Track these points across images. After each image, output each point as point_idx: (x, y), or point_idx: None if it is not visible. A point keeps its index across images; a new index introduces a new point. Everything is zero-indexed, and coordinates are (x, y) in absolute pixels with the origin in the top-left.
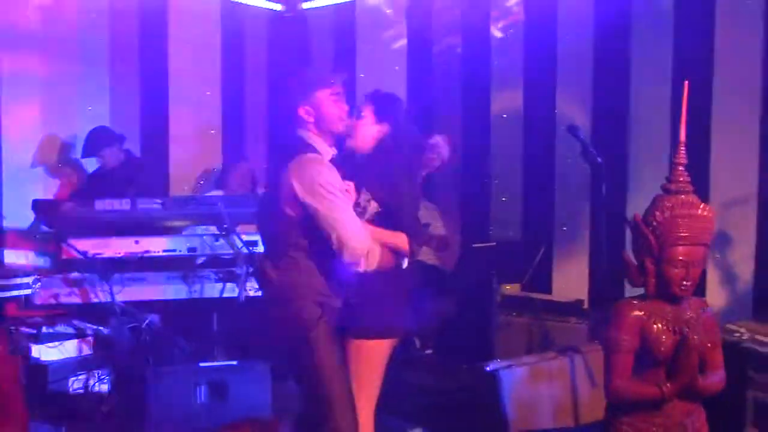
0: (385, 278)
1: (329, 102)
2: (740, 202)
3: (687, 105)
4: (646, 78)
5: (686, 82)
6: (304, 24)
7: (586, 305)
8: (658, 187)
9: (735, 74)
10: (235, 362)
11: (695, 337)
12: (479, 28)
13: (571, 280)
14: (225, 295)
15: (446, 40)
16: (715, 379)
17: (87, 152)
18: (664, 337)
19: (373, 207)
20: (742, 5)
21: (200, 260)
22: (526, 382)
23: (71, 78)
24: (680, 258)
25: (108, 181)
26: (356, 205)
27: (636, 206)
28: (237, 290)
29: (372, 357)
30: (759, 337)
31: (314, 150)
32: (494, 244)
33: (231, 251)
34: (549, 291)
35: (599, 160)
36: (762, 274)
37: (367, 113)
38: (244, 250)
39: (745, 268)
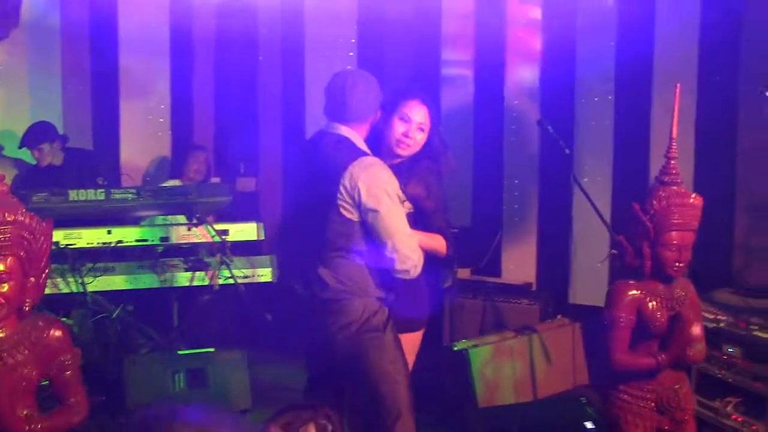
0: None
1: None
2: None
3: (675, 105)
4: (589, 75)
5: (678, 85)
6: (253, 14)
7: (534, 287)
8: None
9: (672, 68)
10: (212, 349)
11: (687, 313)
12: (430, 20)
13: (520, 263)
14: (196, 283)
15: (397, 32)
16: (700, 349)
17: (24, 144)
18: (659, 313)
19: (407, 208)
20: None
21: (159, 249)
22: (490, 360)
23: (22, 71)
24: (674, 242)
25: (40, 177)
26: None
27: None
28: (208, 279)
29: (410, 350)
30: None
31: (365, 153)
32: (456, 230)
33: (203, 240)
34: (499, 274)
35: (567, 151)
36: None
37: (424, 121)
38: (217, 239)
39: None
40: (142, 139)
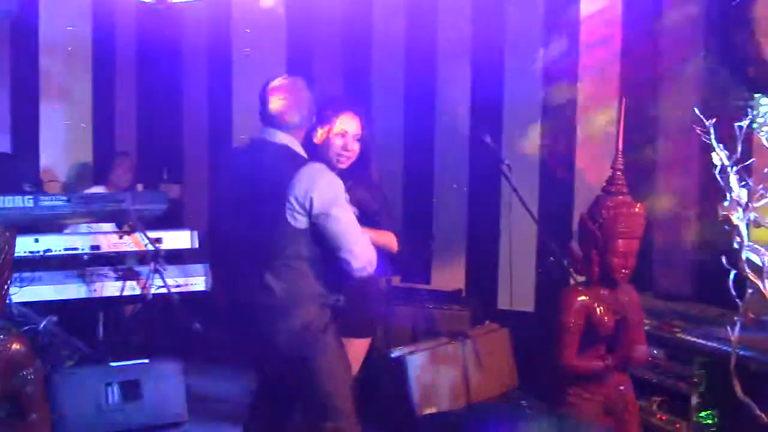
0: (366, 279)
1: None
2: None
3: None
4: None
5: (625, 98)
6: (177, 17)
7: (464, 294)
8: None
9: (595, 89)
10: (146, 360)
11: (632, 317)
12: (359, 23)
13: (448, 271)
14: (126, 293)
15: (325, 34)
16: (644, 351)
17: None
18: (606, 318)
19: (353, 211)
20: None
21: (86, 257)
22: (427, 366)
23: None
24: (621, 249)
25: None
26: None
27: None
28: (139, 288)
29: (357, 356)
30: None
31: (308, 160)
32: None
33: (136, 249)
34: (428, 281)
35: (507, 163)
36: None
37: (359, 132)
38: (150, 247)
39: None
40: (63, 144)
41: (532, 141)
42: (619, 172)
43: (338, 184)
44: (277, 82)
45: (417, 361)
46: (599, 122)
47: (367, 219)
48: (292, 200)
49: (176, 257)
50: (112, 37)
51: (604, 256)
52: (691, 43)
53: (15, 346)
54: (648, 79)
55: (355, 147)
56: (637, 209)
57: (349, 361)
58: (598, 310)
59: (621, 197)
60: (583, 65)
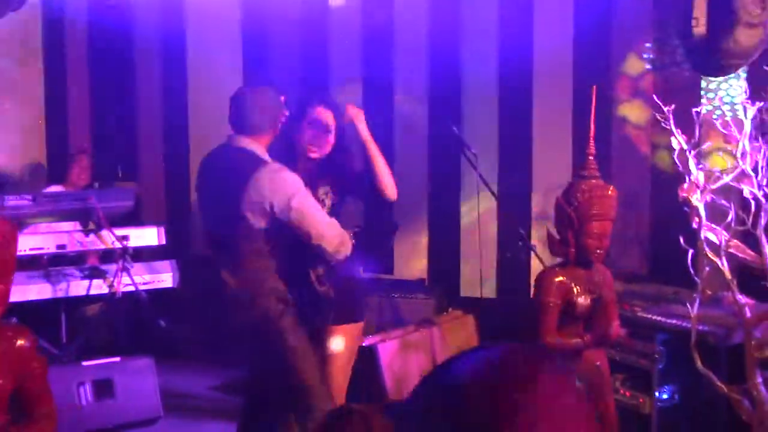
0: (349, 267)
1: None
2: (559, 185)
3: (594, 107)
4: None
5: (594, 87)
6: (129, 11)
7: (427, 282)
8: None
9: (550, 79)
10: (118, 359)
11: (607, 295)
12: (316, 16)
13: (411, 260)
14: (93, 292)
15: (281, 26)
16: (616, 327)
17: None
18: (583, 297)
19: (330, 199)
20: (555, 20)
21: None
22: (397, 355)
23: None
24: (595, 231)
25: None
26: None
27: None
28: (106, 287)
29: (353, 340)
30: None
31: (267, 162)
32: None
33: (103, 247)
34: (390, 271)
35: (473, 151)
36: None
37: (331, 123)
38: (117, 245)
39: None
40: (15, 144)
41: (490, 126)
42: (591, 157)
43: (295, 180)
44: (242, 91)
45: (388, 350)
46: (553, 109)
47: (342, 206)
48: (251, 201)
49: (148, 253)
50: (63, 32)
51: (579, 238)
52: (643, 29)
53: (21, 342)
54: (601, 67)
55: (327, 139)
56: (610, 192)
57: (308, 342)
58: (575, 289)
59: (594, 181)
60: (539, 51)
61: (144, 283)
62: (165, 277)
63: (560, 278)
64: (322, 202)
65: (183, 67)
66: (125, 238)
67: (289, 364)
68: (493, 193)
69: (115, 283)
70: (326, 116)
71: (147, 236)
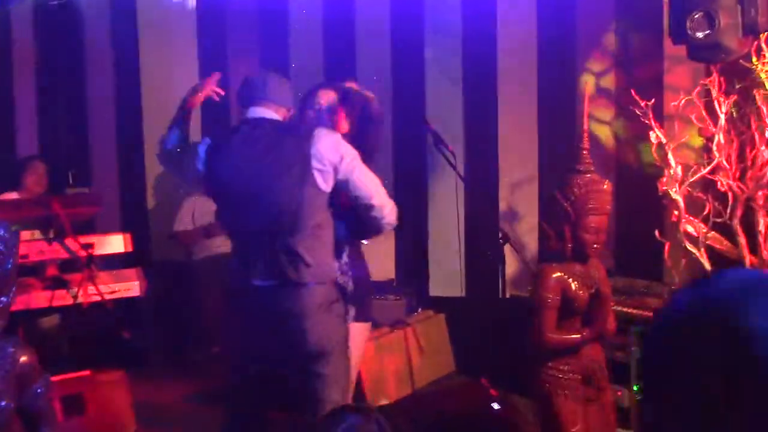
0: (364, 265)
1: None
2: (525, 182)
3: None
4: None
5: (585, 81)
6: (77, 11)
7: (395, 283)
8: None
9: (515, 72)
10: (87, 372)
11: (604, 290)
12: (275, 9)
13: (379, 260)
14: (55, 303)
15: (238, 23)
16: (612, 321)
17: None
18: (580, 292)
19: None
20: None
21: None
22: (374, 356)
23: None
24: (592, 225)
25: None
26: None
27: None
28: (71, 297)
29: (364, 339)
30: None
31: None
32: None
33: (66, 255)
34: None
35: (450, 148)
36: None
37: (334, 104)
38: (83, 253)
39: (530, 239)
40: None
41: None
42: (585, 151)
43: (347, 143)
44: (264, 70)
45: (364, 352)
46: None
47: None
48: (319, 158)
49: (112, 261)
50: (9, 32)
51: (576, 233)
52: (611, 19)
53: (24, 359)
54: (567, 59)
55: (330, 119)
56: (605, 186)
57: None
58: (573, 285)
59: (590, 175)
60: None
61: (110, 293)
62: (131, 286)
63: (558, 274)
64: None
65: (135, 66)
66: (90, 245)
67: (326, 352)
68: (466, 191)
69: (80, 294)
70: (326, 96)
71: (113, 243)
